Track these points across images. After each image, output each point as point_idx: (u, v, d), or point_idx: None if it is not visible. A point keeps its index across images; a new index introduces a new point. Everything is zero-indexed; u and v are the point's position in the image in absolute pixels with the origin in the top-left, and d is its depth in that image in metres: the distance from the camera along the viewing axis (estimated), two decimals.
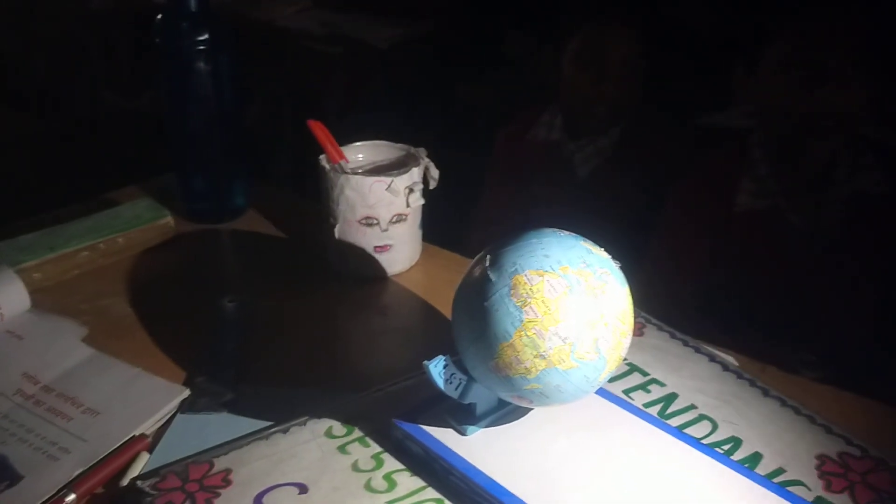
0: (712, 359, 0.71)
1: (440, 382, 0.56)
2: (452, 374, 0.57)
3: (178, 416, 0.67)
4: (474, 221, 1.61)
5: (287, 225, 0.99)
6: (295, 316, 0.82)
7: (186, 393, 0.68)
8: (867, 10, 1.10)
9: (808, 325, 1.12)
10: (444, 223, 0.99)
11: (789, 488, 0.57)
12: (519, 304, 0.51)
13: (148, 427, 0.65)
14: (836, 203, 1.10)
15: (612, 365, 0.54)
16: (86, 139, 2.97)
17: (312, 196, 1.08)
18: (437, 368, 0.56)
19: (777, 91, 1.10)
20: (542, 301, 0.51)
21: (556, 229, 0.56)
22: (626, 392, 0.66)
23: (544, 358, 0.51)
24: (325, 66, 2.39)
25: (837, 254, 1.11)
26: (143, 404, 0.67)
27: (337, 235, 0.86)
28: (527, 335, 0.51)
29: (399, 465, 0.59)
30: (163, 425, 0.66)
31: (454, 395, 0.58)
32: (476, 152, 1.84)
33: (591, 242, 0.55)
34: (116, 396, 0.68)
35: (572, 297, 0.51)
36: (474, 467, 0.56)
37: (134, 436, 0.64)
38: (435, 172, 0.87)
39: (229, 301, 0.82)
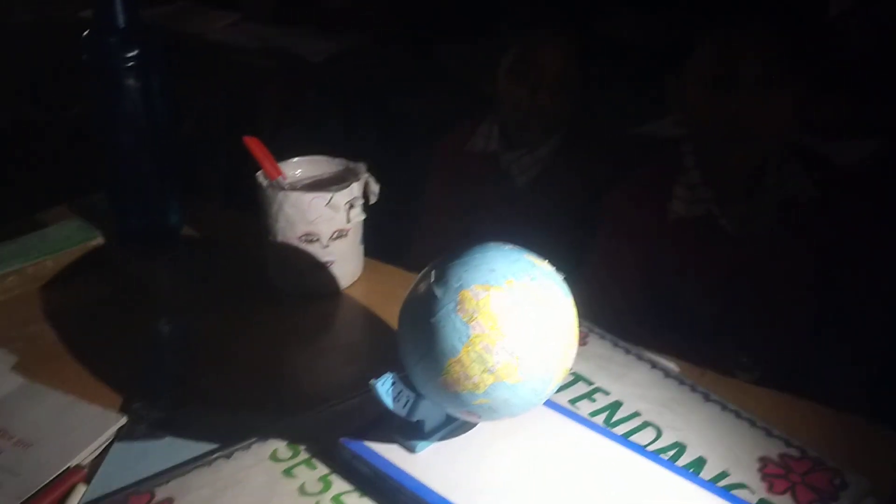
0: (654, 365, 0.72)
1: (388, 401, 0.56)
2: (400, 392, 0.56)
3: (116, 444, 0.64)
4: (415, 233, 1.60)
5: (224, 243, 0.97)
6: (235, 336, 0.80)
7: (123, 420, 0.66)
8: (787, 19, 1.14)
9: (743, 328, 1.15)
10: (384, 237, 0.98)
11: (733, 491, 0.58)
12: (466, 319, 0.51)
13: (84, 457, 0.63)
14: (765, 209, 1.13)
15: (560, 377, 0.54)
16: (9, 157, 2.86)
17: (250, 212, 1.06)
18: (384, 387, 0.55)
19: (700, 99, 1.13)
20: (489, 315, 0.51)
21: (500, 243, 0.56)
22: (572, 402, 0.67)
23: (492, 373, 0.51)
24: (258, 81, 2.36)
25: (768, 259, 1.15)
26: (77, 434, 0.64)
27: (277, 253, 0.84)
28: (474, 350, 0.51)
29: (348, 486, 0.58)
30: (99, 455, 0.63)
31: (402, 412, 0.57)
32: (414, 164, 1.84)
33: (535, 255, 0.55)
34: (49, 426, 0.65)
35: (518, 311, 0.51)
36: (424, 485, 0.56)
37: (69, 467, 0.61)
38: (375, 187, 0.86)
39: (166, 323, 0.80)
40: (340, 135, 2.45)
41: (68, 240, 0.89)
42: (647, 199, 1.22)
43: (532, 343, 0.51)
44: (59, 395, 0.69)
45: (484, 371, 0.51)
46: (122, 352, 0.76)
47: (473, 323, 0.51)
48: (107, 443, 0.64)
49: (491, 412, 0.54)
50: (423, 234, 1.62)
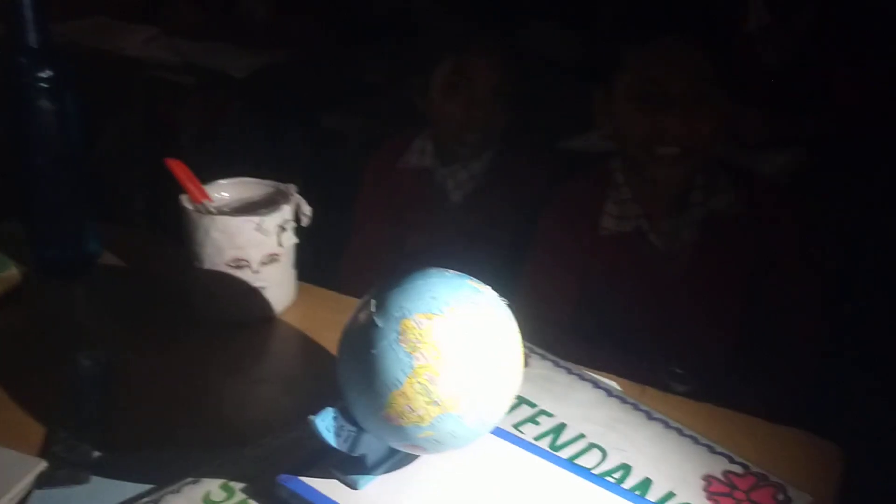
0: (596, 385, 0.72)
1: (329, 437, 0.54)
2: (341, 427, 0.54)
3: (35, 491, 0.60)
4: (347, 252, 1.58)
5: (147, 270, 0.93)
6: (161, 369, 0.76)
7: (43, 465, 0.62)
8: (709, 34, 1.16)
9: (676, 341, 1.16)
10: (316, 259, 0.95)
11: None
12: (408, 349, 0.49)
13: None
14: (692, 224, 1.15)
15: (507, 405, 0.53)
16: None
17: (173, 237, 1.02)
18: (324, 422, 0.53)
19: (627, 116, 1.15)
20: (433, 345, 0.49)
21: (441, 269, 0.54)
22: (516, 426, 0.66)
23: (438, 404, 0.49)
24: (179, 97, 2.30)
25: (697, 272, 1.16)
26: None
27: (204, 280, 0.81)
28: (419, 382, 0.49)
29: None
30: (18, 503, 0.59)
31: (343, 448, 0.55)
32: (346, 181, 1.81)
33: (476, 281, 0.54)
34: None
35: (462, 340, 0.50)
36: None
37: None
38: (307, 209, 0.84)
39: (86, 357, 0.76)
40: (268, 153, 2.40)
41: None
42: (578, 215, 1.23)
43: (478, 372, 0.50)
44: None
45: (429, 403, 0.49)
46: (40, 390, 0.72)
47: (417, 353, 0.49)
48: (26, 491, 0.60)
49: (437, 445, 0.52)
50: (354, 251, 1.59)
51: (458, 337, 0.50)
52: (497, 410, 0.52)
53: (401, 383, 0.49)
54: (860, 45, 1.84)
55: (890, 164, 1.67)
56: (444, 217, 1.50)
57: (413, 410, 0.50)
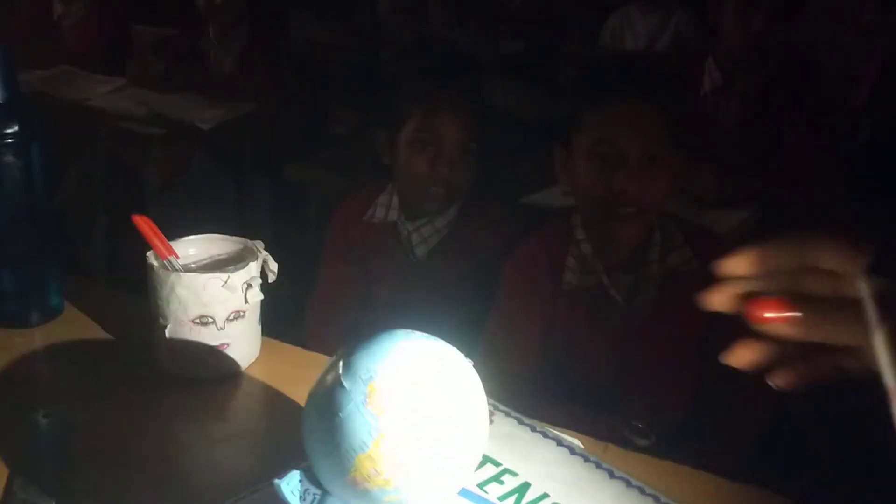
0: (559, 443, 0.72)
1: (294, 501, 0.53)
2: (306, 490, 0.54)
3: None
4: (312, 304, 1.57)
5: (109, 325, 0.92)
6: (122, 427, 0.75)
7: None
8: (665, 96, 1.21)
9: (636, 394, 1.18)
10: (278, 309, 0.95)
11: None
12: (375, 412, 0.50)
13: None
14: (651, 280, 1.18)
15: (474, 466, 0.53)
16: None
17: (133, 291, 1.01)
18: (289, 486, 0.53)
19: (585, 174, 1.18)
20: (400, 408, 0.50)
21: (407, 331, 0.55)
22: (481, 486, 0.66)
23: (404, 467, 0.50)
24: (143, 148, 2.30)
25: (655, 327, 1.19)
26: None
27: (168, 336, 0.81)
28: (386, 444, 0.50)
29: None
30: None
31: None
32: (309, 233, 1.82)
33: (442, 342, 0.55)
34: None
35: (429, 402, 0.51)
36: None
37: None
38: (273, 266, 0.84)
39: (44, 416, 0.75)
40: (232, 204, 2.40)
41: None
42: (540, 270, 1.25)
43: (445, 434, 0.51)
44: None
45: (396, 466, 0.50)
46: None
47: (383, 416, 0.50)
48: None
49: None
50: (318, 305, 1.59)
51: (425, 400, 0.50)
52: (464, 472, 0.52)
53: (367, 446, 0.50)
54: (809, 107, 1.92)
55: (838, 221, 1.73)
56: (409, 271, 1.51)
57: (379, 474, 0.50)
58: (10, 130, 0.84)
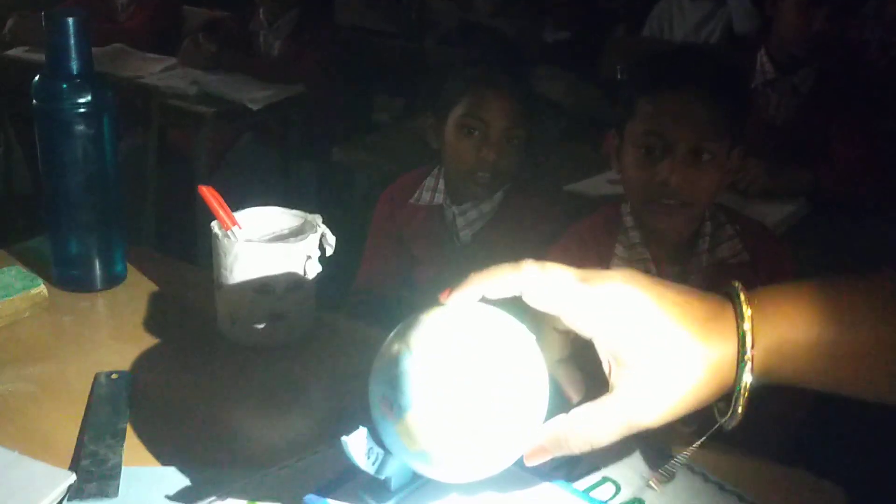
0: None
1: (358, 458, 0.55)
2: (370, 449, 0.56)
3: (66, 503, 0.62)
4: (356, 285, 1.60)
5: (170, 292, 0.95)
6: (185, 389, 0.78)
7: (73, 478, 0.64)
8: (716, 88, 1.20)
9: None
10: (324, 289, 0.97)
11: None
12: (423, 376, 0.52)
13: None
14: (699, 272, 1.18)
15: (523, 441, 0.55)
16: None
17: (186, 260, 1.04)
18: (356, 443, 0.55)
19: (634, 164, 1.18)
20: (453, 375, 0.52)
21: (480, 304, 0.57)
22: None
23: (450, 433, 0.52)
24: (193, 126, 2.34)
25: None
26: (25, 492, 0.61)
27: (230, 304, 0.83)
28: (434, 408, 0.51)
29: None
30: None
31: (371, 470, 0.57)
32: (355, 215, 1.85)
33: (508, 315, 0.56)
34: None
35: (483, 372, 0.52)
36: None
37: None
38: (331, 239, 0.86)
39: (112, 375, 0.78)
40: (279, 185, 2.43)
41: (9, 288, 0.86)
42: (587, 256, 1.26)
43: (497, 403, 0.52)
44: (2, 450, 0.66)
45: (434, 432, 0.52)
46: (68, 404, 0.74)
47: (436, 380, 0.52)
48: (56, 502, 0.62)
49: (451, 473, 0.54)
50: (362, 285, 1.62)
51: (474, 367, 0.52)
52: (508, 446, 0.54)
53: (408, 409, 0.52)
54: (859, 102, 1.89)
55: (888, 216, 1.71)
56: (453, 255, 1.53)
57: (415, 441, 0.52)
58: (82, 101, 0.87)
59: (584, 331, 0.54)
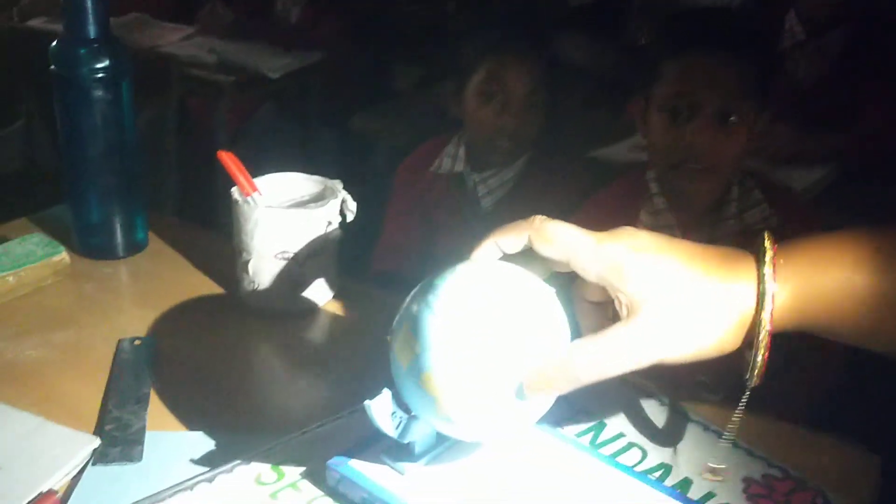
0: (634, 385, 0.73)
1: (382, 422, 0.55)
2: (393, 413, 0.55)
3: (90, 467, 0.62)
4: (377, 253, 1.59)
5: (191, 259, 0.95)
6: (207, 355, 0.78)
7: (97, 442, 0.64)
8: (744, 50, 1.17)
9: None
10: (344, 258, 0.96)
11: None
12: (440, 332, 0.51)
13: (57, 481, 0.60)
14: (726, 238, 1.16)
15: (548, 400, 0.54)
16: None
17: (206, 228, 1.04)
18: (379, 406, 0.55)
19: (659, 129, 1.16)
20: (475, 329, 0.51)
21: (501, 262, 0.56)
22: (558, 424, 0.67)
23: (471, 391, 0.51)
24: (212, 95, 2.34)
25: None
26: (49, 456, 0.61)
27: (250, 270, 0.83)
28: (457, 365, 0.51)
29: None
30: (73, 479, 0.61)
31: (394, 434, 0.56)
32: (375, 182, 1.83)
33: (528, 273, 0.55)
34: (18, 449, 0.62)
35: (505, 328, 0.51)
36: None
37: (41, 492, 0.59)
38: (352, 205, 0.85)
39: (135, 341, 0.78)
40: (298, 153, 2.42)
41: (31, 255, 0.86)
42: (611, 223, 1.24)
43: (507, 361, 0.51)
44: (26, 416, 0.66)
45: (451, 389, 0.51)
46: (91, 370, 0.74)
47: (459, 336, 0.51)
48: (81, 466, 0.62)
49: (473, 432, 0.54)
50: (383, 254, 1.62)
51: (501, 325, 0.51)
52: (534, 402, 0.53)
53: (427, 367, 0.51)
54: (891, 64, 1.84)
55: None
56: (475, 222, 1.52)
57: (438, 400, 0.51)
58: (100, 66, 0.86)
59: (594, 272, 0.53)
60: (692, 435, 0.67)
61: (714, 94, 1.12)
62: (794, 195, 1.25)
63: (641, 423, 0.68)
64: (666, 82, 1.16)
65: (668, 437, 0.66)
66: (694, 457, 0.64)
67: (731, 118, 1.12)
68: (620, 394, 0.71)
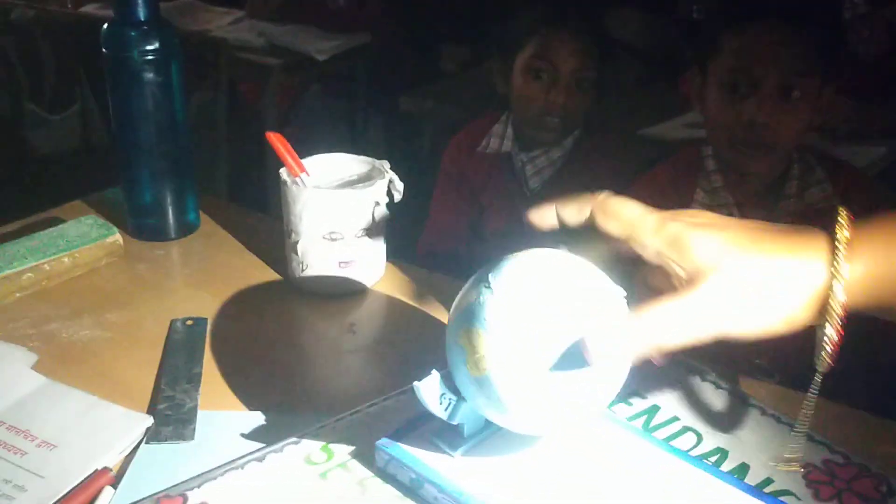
0: (689, 368, 0.71)
1: (431, 403, 0.54)
2: (443, 394, 0.55)
3: (143, 446, 0.63)
4: (423, 234, 1.59)
5: (242, 241, 0.95)
6: (258, 336, 0.78)
7: (150, 421, 0.65)
8: (805, 24, 1.13)
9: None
10: (391, 238, 0.95)
11: (780, 498, 0.57)
12: (492, 320, 0.50)
13: (111, 459, 0.61)
14: (786, 217, 1.12)
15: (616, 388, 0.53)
16: (13, 154, 2.84)
17: (257, 209, 1.05)
18: (428, 388, 0.54)
19: (718, 104, 1.12)
20: (532, 319, 0.50)
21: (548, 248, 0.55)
22: (608, 406, 0.65)
23: (525, 382, 0.50)
24: (261, 78, 2.35)
25: None
26: (103, 435, 0.62)
27: (299, 251, 0.83)
28: (512, 351, 0.49)
29: (384, 490, 0.57)
30: (127, 457, 0.62)
31: (443, 415, 0.56)
32: (423, 164, 1.83)
33: (596, 269, 0.54)
34: (74, 427, 0.63)
35: (569, 319, 0.50)
36: (463, 491, 0.54)
37: (96, 470, 0.59)
38: (399, 185, 0.85)
39: (188, 322, 0.79)
40: (346, 135, 2.43)
41: (85, 236, 0.87)
42: (665, 202, 1.21)
43: (577, 351, 0.50)
44: (81, 394, 0.67)
45: (513, 381, 0.50)
46: (144, 350, 0.75)
47: (516, 324, 0.50)
48: (134, 444, 0.63)
49: (523, 422, 0.53)
50: (430, 234, 1.61)
51: (563, 315, 0.50)
52: (589, 398, 0.51)
53: (478, 351, 0.50)
54: None
55: None
56: (522, 203, 1.50)
57: (504, 379, 0.50)
58: (150, 48, 0.87)
59: (653, 248, 0.51)
60: (749, 419, 0.65)
61: (776, 68, 1.08)
62: (856, 173, 1.20)
63: (697, 406, 0.66)
64: (724, 56, 1.12)
65: (724, 421, 0.65)
66: (751, 441, 0.62)
67: (794, 93, 1.08)
68: (674, 376, 0.70)
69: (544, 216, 0.56)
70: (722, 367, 0.79)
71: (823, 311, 0.49)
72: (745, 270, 0.49)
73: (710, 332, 0.49)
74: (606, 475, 0.57)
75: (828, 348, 0.50)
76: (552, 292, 0.50)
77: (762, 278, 0.49)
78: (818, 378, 0.53)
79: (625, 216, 0.53)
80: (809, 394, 0.54)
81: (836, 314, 0.49)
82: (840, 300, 0.49)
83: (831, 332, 0.49)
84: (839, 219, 0.50)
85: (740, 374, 0.81)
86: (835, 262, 0.49)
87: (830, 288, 0.49)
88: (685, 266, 0.50)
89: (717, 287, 0.49)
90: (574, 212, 0.55)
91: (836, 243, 0.49)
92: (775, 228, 0.52)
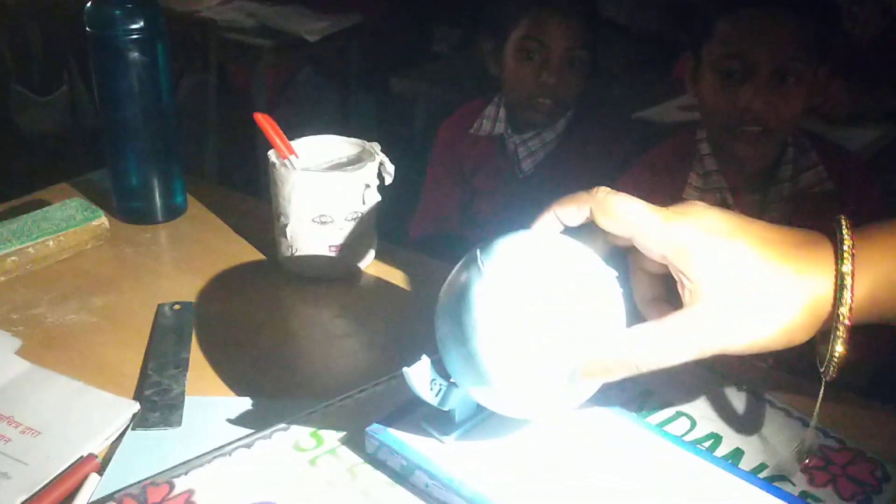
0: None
1: (421, 389, 0.53)
2: (433, 380, 0.54)
3: (129, 432, 0.62)
4: (416, 217, 1.58)
5: (230, 224, 0.94)
6: (247, 320, 0.77)
7: (136, 407, 0.64)
8: (801, 7, 1.12)
9: None
10: (382, 221, 0.94)
11: (774, 484, 0.56)
12: (485, 300, 0.49)
13: (96, 446, 0.60)
14: (780, 201, 1.12)
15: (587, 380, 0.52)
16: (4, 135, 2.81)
17: (246, 192, 1.03)
18: (418, 373, 0.53)
19: (712, 89, 1.12)
20: (528, 298, 0.49)
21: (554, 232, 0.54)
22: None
23: (514, 360, 0.49)
24: (251, 59, 2.33)
25: None
26: (89, 421, 0.61)
27: (288, 234, 0.82)
28: (505, 333, 0.49)
29: (374, 476, 0.56)
30: (113, 444, 0.61)
31: (434, 401, 0.55)
32: (415, 146, 1.81)
33: (589, 249, 0.53)
34: (59, 413, 0.62)
35: (565, 301, 0.49)
36: (454, 476, 0.54)
37: (82, 456, 0.58)
38: (390, 168, 0.84)
39: (175, 306, 0.78)
40: (338, 116, 2.41)
41: (71, 219, 0.86)
42: (658, 185, 1.20)
43: (572, 331, 0.49)
44: (66, 380, 0.66)
45: (504, 359, 0.49)
46: (131, 335, 0.74)
47: (510, 305, 0.49)
48: (120, 430, 0.62)
49: (518, 408, 0.52)
50: (422, 217, 1.60)
51: (554, 297, 0.49)
52: (582, 382, 0.51)
53: (484, 333, 0.49)
54: None
55: None
56: (515, 185, 1.49)
57: (492, 364, 0.49)
58: (135, 27, 0.85)
59: (658, 252, 0.50)
60: (744, 404, 0.64)
61: (770, 53, 1.07)
62: (851, 157, 1.19)
63: (690, 392, 0.65)
64: (718, 41, 1.11)
65: (718, 406, 0.64)
66: (745, 426, 0.62)
67: (790, 77, 1.07)
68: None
69: (546, 224, 0.54)
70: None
71: (825, 326, 0.49)
72: (745, 288, 0.48)
73: (707, 351, 0.49)
74: (598, 461, 0.56)
75: (832, 365, 0.50)
76: (543, 273, 0.49)
77: (761, 296, 0.48)
78: (822, 388, 0.53)
79: (627, 216, 0.51)
80: (818, 403, 0.54)
81: (842, 333, 0.48)
82: (845, 320, 0.48)
83: (836, 352, 0.49)
84: (842, 231, 0.49)
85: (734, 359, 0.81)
86: (837, 281, 0.48)
87: (835, 307, 0.48)
88: (689, 276, 0.49)
89: (715, 306, 0.48)
90: (574, 213, 0.53)
91: (840, 261, 0.48)
92: (783, 237, 0.50)
